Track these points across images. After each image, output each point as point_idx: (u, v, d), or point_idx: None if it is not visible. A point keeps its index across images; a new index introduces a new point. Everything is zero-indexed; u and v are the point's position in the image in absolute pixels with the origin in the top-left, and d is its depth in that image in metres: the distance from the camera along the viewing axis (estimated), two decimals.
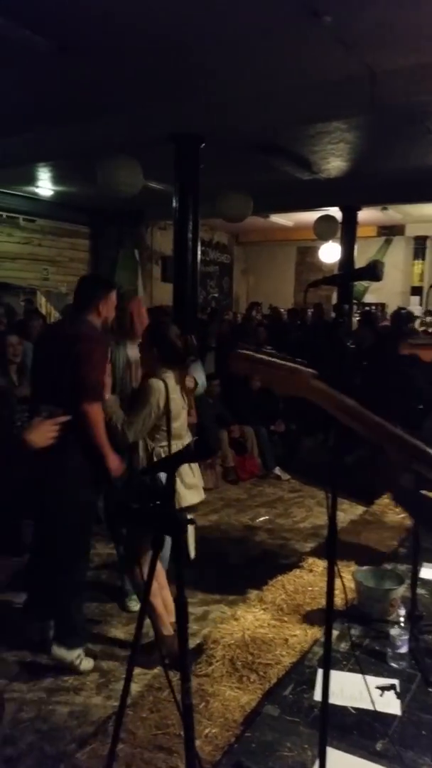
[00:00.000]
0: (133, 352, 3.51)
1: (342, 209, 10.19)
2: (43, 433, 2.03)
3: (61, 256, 11.16)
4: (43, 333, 4.18)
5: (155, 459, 2.86)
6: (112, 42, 4.49)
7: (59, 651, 2.83)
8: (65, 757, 2.27)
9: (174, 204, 6.28)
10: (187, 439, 2.96)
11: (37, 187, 9.36)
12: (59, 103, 5.76)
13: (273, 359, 1.46)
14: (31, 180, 9.04)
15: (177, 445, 2.79)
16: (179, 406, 2.94)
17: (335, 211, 10.17)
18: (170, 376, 2.90)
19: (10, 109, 5.90)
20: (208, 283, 13.38)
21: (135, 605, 3.41)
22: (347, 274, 6.27)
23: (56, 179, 9.04)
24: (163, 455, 2.84)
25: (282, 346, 8.02)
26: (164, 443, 2.89)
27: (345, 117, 6.34)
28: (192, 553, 2.94)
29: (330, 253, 11.86)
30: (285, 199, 9.80)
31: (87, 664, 2.89)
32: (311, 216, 10.31)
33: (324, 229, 9.75)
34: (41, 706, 2.60)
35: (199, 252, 6.46)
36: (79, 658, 2.86)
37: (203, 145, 6.30)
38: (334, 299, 12.96)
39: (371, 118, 6.37)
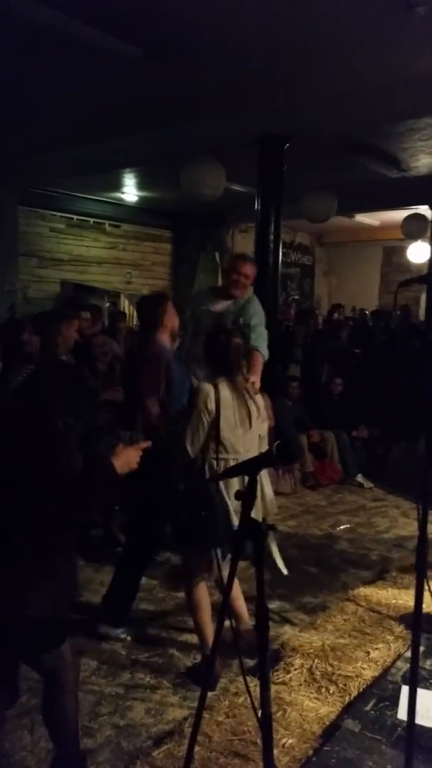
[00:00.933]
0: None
1: (431, 207, 9.82)
2: (128, 460, 2.02)
3: (144, 260, 11.38)
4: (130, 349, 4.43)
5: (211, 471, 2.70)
6: (196, 46, 4.52)
7: (104, 628, 3.03)
8: (141, 754, 2.27)
9: (256, 206, 6.25)
10: (248, 455, 2.68)
11: (123, 193, 9.58)
12: (146, 109, 5.86)
13: None
14: (118, 186, 9.27)
15: (231, 461, 2.62)
16: (232, 416, 2.71)
17: (425, 210, 9.81)
18: (223, 383, 2.73)
19: (99, 116, 6.07)
20: (289, 285, 13.26)
21: None
22: None
23: (141, 185, 9.23)
24: (215, 468, 2.68)
25: (367, 349, 7.83)
26: (219, 456, 2.67)
27: None
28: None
29: (419, 252, 11.46)
30: (371, 198, 9.56)
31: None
32: (399, 215, 9.99)
33: (413, 228, 9.43)
34: (118, 702, 2.62)
35: (280, 254, 6.39)
36: (123, 633, 3.02)
37: (287, 145, 6.24)
38: (423, 301, 12.49)
39: None
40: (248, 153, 6.19)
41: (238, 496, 1.75)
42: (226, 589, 1.86)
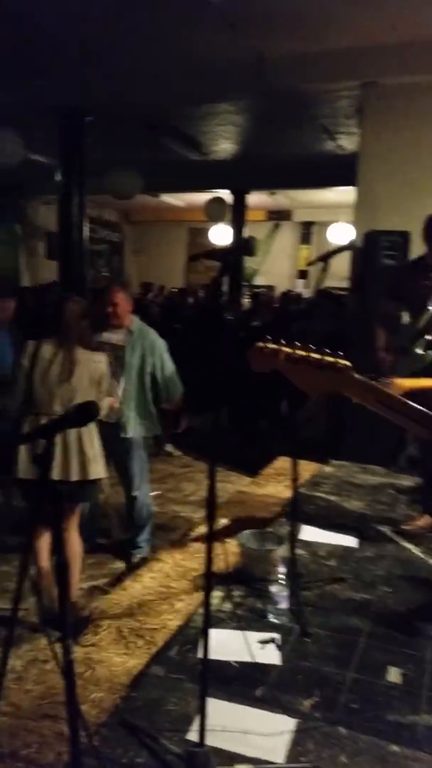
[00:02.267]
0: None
1: (232, 192, 10.35)
2: None
3: None
4: None
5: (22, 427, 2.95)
6: None
7: None
8: None
9: (58, 178, 6.10)
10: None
11: None
12: None
13: (310, 354, 1.23)
14: None
15: (43, 419, 2.87)
16: (53, 374, 2.95)
17: (225, 194, 10.31)
18: (49, 342, 2.99)
19: None
20: (98, 262, 13.11)
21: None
22: (225, 249, 6.38)
23: None
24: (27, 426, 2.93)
25: (174, 325, 8.06)
26: (32, 412, 2.96)
27: (232, 99, 6.44)
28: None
29: (220, 235, 12.01)
30: (175, 179, 9.81)
31: None
32: (202, 197, 10.39)
33: (214, 210, 9.87)
34: None
35: (86, 229, 6.33)
36: None
37: (89, 118, 6.16)
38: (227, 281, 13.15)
39: (259, 102, 6.52)
40: (50, 124, 6.01)
41: (35, 458, 1.78)
42: (25, 555, 1.88)
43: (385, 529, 3.76)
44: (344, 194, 8.21)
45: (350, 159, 5.94)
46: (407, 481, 4.60)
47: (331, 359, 1.19)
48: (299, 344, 1.22)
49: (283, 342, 1.23)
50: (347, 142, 7.62)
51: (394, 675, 2.40)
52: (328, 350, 1.22)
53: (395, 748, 2.03)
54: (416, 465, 4.46)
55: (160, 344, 3.74)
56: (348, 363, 1.19)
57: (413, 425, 1.18)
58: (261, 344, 1.25)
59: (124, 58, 5.43)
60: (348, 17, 4.75)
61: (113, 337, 3.60)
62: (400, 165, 5.17)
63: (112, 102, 6.14)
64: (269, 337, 1.25)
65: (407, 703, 2.24)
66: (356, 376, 1.20)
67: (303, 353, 1.21)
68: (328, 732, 2.10)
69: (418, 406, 1.19)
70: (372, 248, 5.07)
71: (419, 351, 3.42)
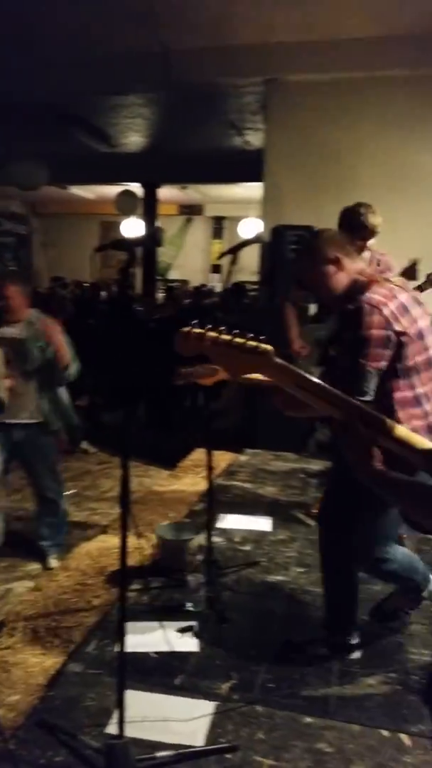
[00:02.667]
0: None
1: (143, 185, 10.27)
2: None
3: None
4: None
5: None
6: None
7: None
8: None
9: None
10: None
11: None
12: None
13: (234, 338, 1.23)
14: None
15: None
16: None
17: (136, 187, 10.22)
18: None
19: None
20: (5, 256, 12.65)
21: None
22: (133, 239, 6.35)
23: None
24: None
25: (88, 321, 7.92)
26: None
27: (139, 92, 6.39)
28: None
29: (133, 228, 11.89)
30: (84, 171, 9.62)
31: None
32: (113, 190, 10.25)
33: (125, 204, 9.76)
34: None
35: None
36: None
37: None
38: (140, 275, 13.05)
39: (167, 95, 6.50)
40: None
41: None
42: None
43: (297, 513, 3.89)
44: (253, 189, 8.34)
45: (257, 155, 6.06)
46: (317, 465, 4.77)
47: (254, 343, 1.24)
48: (224, 329, 1.26)
49: (210, 327, 1.27)
50: (254, 138, 7.75)
51: None
52: (251, 335, 1.26)
53: (309, 719, 2.12)
54: (324, 449, 4.65)
55: (58, 329, 3.63)
56: (270, 347, 1.24)
57: (328, 407, 1.27)
58: (187, 328, 1.28)
59: (29, 46, 5.27)
60: (252, 14, 4.84)
61: (9, 331, 3.49)
62: (304, 161, 5.33)
63: (17, 91, 5.94)
64: (195, 322, 1.29)
65: (320, 678, 2.33)
66: (277, 359, 1.25)
67: (227, 337, 1.25)
68: (246, 712, 2.16)
69: (332, 389, 1.27)
70: (279, 242, 5.19)
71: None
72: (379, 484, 1.25)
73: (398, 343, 2.08)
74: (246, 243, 2.85)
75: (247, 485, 4.44)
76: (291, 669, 2.39)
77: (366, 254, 3.39)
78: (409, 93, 5.20)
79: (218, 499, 3.92)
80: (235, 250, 2.89)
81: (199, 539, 3.12)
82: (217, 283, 13.73)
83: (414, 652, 2.50)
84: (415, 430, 1.73)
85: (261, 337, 1.25)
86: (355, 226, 3.26)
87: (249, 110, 6.74)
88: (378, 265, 3.42)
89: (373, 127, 5.28)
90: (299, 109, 5.46)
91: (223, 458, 4.88)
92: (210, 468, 3.03)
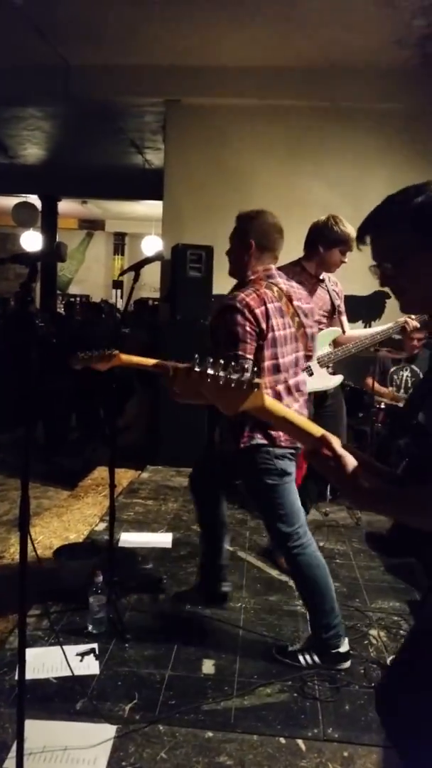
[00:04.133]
0: None
1: (41, 198, 10.08)
2: None
3: None
4: None
5: None
6: None
7: None
8: None
9: None
10: None
11: None
12: None
13: (218, 373, 1.14)
14: None
15: None
16: None
17: (35, 200, 10.02)
18: None
19: None
20: None
21: None
22: (34, 253, 6.23)
23: None
24: None
25: None
26: None
27: (38, 105, 6.32)
28: None
29: (31, 241, 11.61)
30: None
31: None
32: (10, 202, 9.98)
33: (23, 216, 9.54)
34: None
35: None
36: None
37: None
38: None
39: (66, 110, 6.46)
40: None
41: None
42: None
43: (197, 528, 3.93)
44: (154, 207, 8.42)
45: (157, 174, 6.14)
46: None
47: (237, 377, 1.15)
48: (212, 362, 1.15)
49: (197, 359, 1.16)
50: (154, 157, 7.84)
51: (207, 667, 2.53)
52: (241, 364, 1.18)
53: (210, 734, 2.15)
54: None
55: None
56: (256, 380, 1.16)
57: (298, 437, 1.27)
58: (185, 365, 1.16)
59: None
60: (155, 36, 4.92)
61: None
62: (202, 182, 5.47)
63: None
64: (196, 358, 1.17)
65: (220, 691, 2.37)
66: (268, 400, 1.20)
67: (215, 373, 1.15)
68: (148, 732, 2.16)
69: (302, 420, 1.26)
70: (179, 260, 5.28)
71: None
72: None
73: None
74: (147, 260, 2.88)
75: (149, 502, 4.44)
76: (192, 684, 2.41)
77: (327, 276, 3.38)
78: (297, 122, 5.48)
79: (120, 517, 3.91)
80: (136, 267, 2.91)
81: (100, 560, 3.09)
82: (120, 299, 13.67)
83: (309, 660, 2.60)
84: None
85: (250, 367, 1.18)
86: (333, 239, 3.20)
87: (149, 129, 6.83)
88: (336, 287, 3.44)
89: (264, 153, 5.52)
90: (198, 131, 5.60)
91: (125, 476, 4.86)
92: (112, 486, 3.02)
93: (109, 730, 2.16)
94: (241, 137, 5.54)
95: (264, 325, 2.37)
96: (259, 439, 2.46)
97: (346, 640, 2.56)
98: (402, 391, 4.72)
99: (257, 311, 2.36)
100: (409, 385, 4.73)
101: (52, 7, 4.51)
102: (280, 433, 2.43)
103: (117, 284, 14.70)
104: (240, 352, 2.31)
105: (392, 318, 4.84)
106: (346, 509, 4.44)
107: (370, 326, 5.51)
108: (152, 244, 10.75)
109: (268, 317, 2.38)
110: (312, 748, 2.10)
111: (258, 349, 2.37)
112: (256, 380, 1.16)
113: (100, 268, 15.13)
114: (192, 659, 2.58)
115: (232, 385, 1.15)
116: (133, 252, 14.39)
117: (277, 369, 2.44)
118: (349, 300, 3.87)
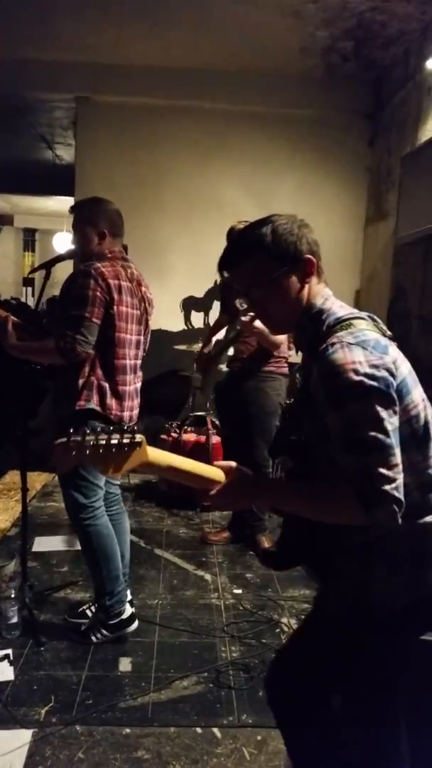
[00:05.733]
0: None
1: None
2: None
3: None
4: None
5: None
6: None
7: None
8: None
9: None
10: None
11: None
12: None
13: (99, 437, 1.13)
14: None
15: None
16: None
17: None
18: None
19: None
20: None
21: None
22: None
23: None
24: None
25: None
26: None
27: None
28: None
29: None
30: None
31: None
32: None
33: None
34: None
35: None
36: None
37: None
38: None
39: None
40: None
41: None
42: None
43: None
44: (65, 204, 8.24)
45: (69, 169, 6.03)
46: (133, 479, 4.86)
47: (126, 438, 1.14)
48: (89, 431, 1.14)
49: (73, 431, 1.15)
50: (65, 153, 7.69)
51: (124, 665, 2.55)
52: (119, 427, 1.17)
53: (128, 730, 2.17)
54: None
55: None
56: (141, 437, 1.17)
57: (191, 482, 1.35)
58: (62, 440, 1.15)
59: None
60: (65, 31, 4.83)
61: None
62: (113, 180, 5.42)
63: None
64: (72, 432, 1.16)
65: (137, 688, 2.40)
66: (152, 454, 1.23)
67: (102, 440, 1.13)
68: (65, 733, 2.15)
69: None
70: None
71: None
72: (279, 504, 1.35)
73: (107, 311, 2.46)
74: (60, 258, 2.84)
75: (62, 505, 4.36)
76: (109, 683, 2.42)
77: None
78: (207, 124, 5.55)
79: (33, 521, 3.83)
80: (48, 265, 2.86)
81: (13, 565, 3.03)
82: (29, 298, 13.28)
83: (224, 651, 2.68)
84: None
85: (132, 428, 1.17)
86: None
87: (59, 125, 6.69)
88: None
89: (175, 152, 5.56)
90: (108, 128, 5.55)
91: (38, 479, 4.76)
92: (25, 490, 2.96)
93: (24, 735, 2.13)
94: (149, 136, 5.54)
95: (115, 296, 2.47)
96: (94, 405, 2.50)
97: (128, 605, 2.72)
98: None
99: (110, 281, 2.46)
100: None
101: None
102: (113, 403, 2.51)
103: (28, 282, 14.28)
104: (87, 314, 2.39)
105: None
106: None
107: None
108: (64, 240, 10.54)
109: (120, 291, 2.50)
110: (227, 735, 2.17)
111: (106, 317, 2.45)
112: (137, 437, 1.15)
113: (9, 264, 14.64)
114: (109, 658, 2.59)
115: (113, 450, 1.14)
116: (45, 248, 14.03)
117: (122, 343, 2.54)
118: None
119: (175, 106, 5.49)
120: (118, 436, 1.14)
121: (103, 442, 1.14)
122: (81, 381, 2.47)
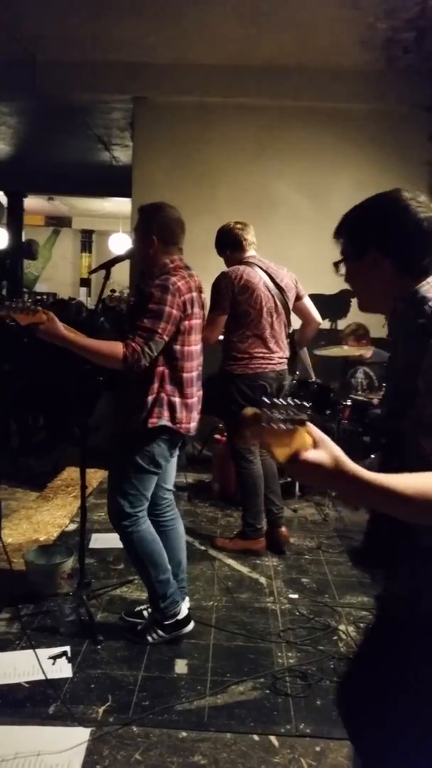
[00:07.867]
0: None
1: (7, 194, 9.92)
2: None
3: None
4: None
5: None
6: None
7: None
8: None
9: None
10: None
11: None
12: None
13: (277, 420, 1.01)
14: None
15: None
16: None
17: (0, 196, 9.86)
18: None
19: None
20: None
21: None
22: (2, 251, 6.08)
23: None
24: None
25: None
26: None
27: (4, 100, 6.22)
28: None
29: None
30: None
31: None
32: None
33: None
34: None
35: None
36: None
37: None
38: None
39: (34, 105, 6.37)
40: None
41: None
42: None
43: None
44: (122, 204, 8.36)
45: (125, 170, 6.09)
46: (189, 478, 4.87)
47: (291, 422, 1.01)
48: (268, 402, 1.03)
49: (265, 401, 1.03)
50: (122, 154, 7.78)
51: (180, 667, 2.54)
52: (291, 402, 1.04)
53: (184, 734, 2.16)
54: (194, 462, 4.91)
55: None
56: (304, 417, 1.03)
57: None
58: (252, 411, 1.08)
59: None
60: (123, 33, 4.88)
61: None
62: (170, 180, 5.44)
63: None
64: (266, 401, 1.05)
65: (193, 691, 2.39)
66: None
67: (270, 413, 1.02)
68: (122, 733, 2.16)
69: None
70: None
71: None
72: (367, 497, 1.04)
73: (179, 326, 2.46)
74: (118, 259, 2.85)
75: None
76: (165, 685, 2.42)
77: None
78: (263, 121, 5.50)
79: (91, 518, 3.88)
80: (107, 265, 2.88)
81: (71, 562, 3.07)
82: (86, 298, 13.55)
83: (280, 656, 2.64)
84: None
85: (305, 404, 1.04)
86: (230, 242, 3.70)
87: (117, 126, 6.78)
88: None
89: (230, 151, 5.54)
90: (166, 128, 5.58)
91: (95, 476, 4.83)
92: (83, 487, 3.00)
93: (82, 734, 2.15)
94: (209, 135, 5.54)
95: (188, 311, 2.48)
96: (166, 421, 2.49)
97: (185, 605, 2.71)
98: (360, 392, 4.75)
99: (185, 297, 2.47)
100: (365, 386, 4.79)
101: (19, 2, 4.44)
102: (183, 417, 2.52)
103: (85, 282, 14.56)
104: (159, 330, 2.38)
105: (357, 317, 4.93)
106: (314, 506, 4.50)
107: (336, 324, 5.58)
108: (120, 241, 10.69)
109: (192, 305, 2.51)
110: (285, 744, 2.13)
111: (175, 333, 2.46)
112: (300, 416, 1.02)
113: (67, 265, 14.97)
114: (165, 659, 2.59)
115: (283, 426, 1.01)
116: (101, 249, 14.27)
117: (189, 356, 2.55)
118: (316, 298, 3.92)
119: (230, 104, 5.47)
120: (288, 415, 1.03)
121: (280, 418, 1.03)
122: (151, 398, 2.46)
